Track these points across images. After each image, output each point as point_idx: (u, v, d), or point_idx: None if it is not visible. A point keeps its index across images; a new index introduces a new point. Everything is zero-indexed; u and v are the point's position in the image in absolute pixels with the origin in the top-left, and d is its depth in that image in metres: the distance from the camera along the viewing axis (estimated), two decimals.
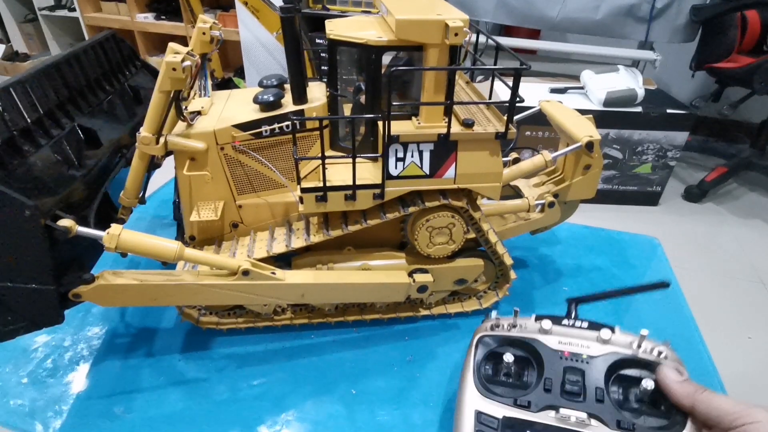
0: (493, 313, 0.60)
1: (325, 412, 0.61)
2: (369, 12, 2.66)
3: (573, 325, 0.55)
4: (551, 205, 0.76)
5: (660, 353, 0.51)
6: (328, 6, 2.74)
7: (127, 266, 0.78)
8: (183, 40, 3.40)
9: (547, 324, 0.55)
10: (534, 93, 2.04)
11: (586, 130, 0.72)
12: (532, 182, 0.82)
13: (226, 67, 3.31)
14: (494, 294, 0.77)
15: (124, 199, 0.65)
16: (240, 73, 3.17)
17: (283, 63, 2.83)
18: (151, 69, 0.86)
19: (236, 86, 3.13)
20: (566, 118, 0.76)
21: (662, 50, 2.27)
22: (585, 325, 0.55)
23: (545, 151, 0.74)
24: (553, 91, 2.05)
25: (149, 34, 3.25)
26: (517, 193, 0.79)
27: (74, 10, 3.27)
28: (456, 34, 0.53)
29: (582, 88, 2.04)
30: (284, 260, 0.68)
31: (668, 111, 1.96)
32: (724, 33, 2.03)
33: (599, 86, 1.95)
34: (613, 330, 0.54)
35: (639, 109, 1.96)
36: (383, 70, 0.59)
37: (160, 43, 3.36)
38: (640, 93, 1.93)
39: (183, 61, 0.54)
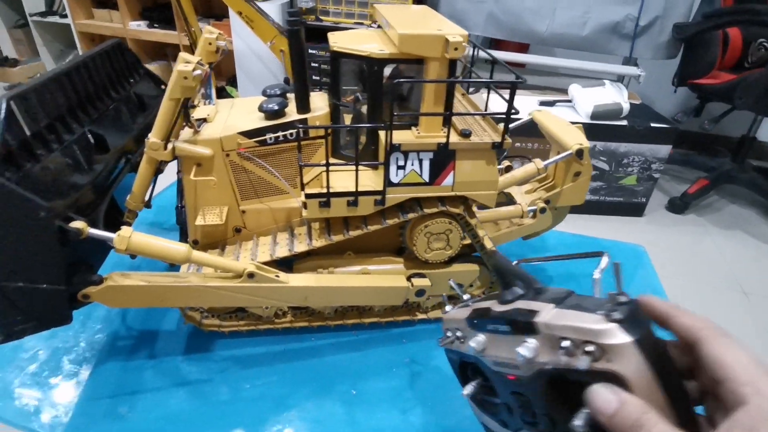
0: (448, 307, 0.54)
1: (326, 412, 0.63)
2: (361, 24, 2.70)
3: (498, 331, 0.41)
4: (543, 210, 0.79)
5: (588, 353, 0.32)
6: (321, 17, 2.78)
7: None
8: (175, 49, 3.40)
9: (477, 342, 0.43)
10: (523, 105, 2.09)
11: (576, 138, 0.75)
12: (524, 189, 0.85)
13: (218, 76, 3.33)
14: None
15: (131, 203, 0.67)
16: (233, 82, 3.19)
17: (275, 73, 2.86)
18: (154, 76, 0.87)
19: (229, 95, 3.15)
20: (557, 127, 0.79)
21: (646, 66, 2.35)
22: (506, 327, 0.41)
23: (537, 159, 0.77)
24: (542, 103, 2.11)
25: (141, 42, 3.25)
26: (509, 200, 0.82)
27: (66, 16, 3.26)
28: (456, 49, 0.56)
29: (570, 101, 2.09)
30: (285, 264, 0.69)
31: (652, 125, 2.02)
32: (706, 50, 2.10)
33: (586, 100, 2.00)
34: (533, 329, 0.37)
35: (624, 122, 2.01)
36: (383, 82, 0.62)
37: (152, 51, 3.37)
38: (626, 107, 1.99)
39: (194, 70, 0.57)
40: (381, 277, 0.69)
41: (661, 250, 2.01)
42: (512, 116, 0.61)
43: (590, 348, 0.32)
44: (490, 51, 0.69)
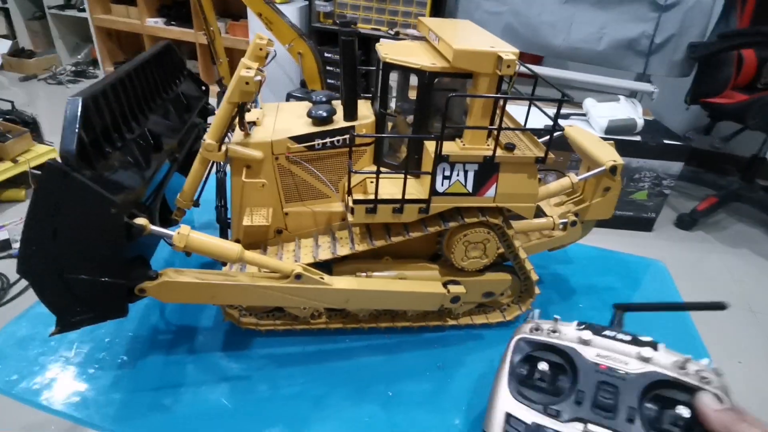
0: (536, 313, 0.63)
1: (363, 412, 0.65)
2: (378, 30, 2.73)
3: (615, 338, 0.55)
4: (573, 223, 0.81)
5: (704, 378, 0.50)
6: (339, 21, 2.80)
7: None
8: (192, 47, 3.42)
9: (587, 334, 0.55)
10: (538, 117, 2.12)
11: (609, 155, 0.77)
12: (552, 202, 0.87)
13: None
14: (517, 308, 0.81)
15: (181, 201, 0.69)
16: None
17: (291, 75, 2.89)
18: (195, 77, 0.89)
19: None
20: (590, 142, 0.82)
21: (658, 83, 2.38)
22: (628, 338, 0.55)
23: (572, 173, 0.79)
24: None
25: (158, 38, 3.28)
26: (539, 212, 0.84)
27: (84, 10, 3.29)
28: (508, 66, 0.58)
29: (584, 115, 2.12)
30: (322, 267, 0.71)
31: (665, 141, 2.05)
32: (720, 70, 2.13)
33: (601, 114, 2.03)
34: (656, 347, 0.53)
35: (638, 138, 2.04)
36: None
37: None
38: (640, 123, 2.02)
39: (255, 75, 0.59)
40: (420, 283, 0.71)
41: (668, 266, 2.03)
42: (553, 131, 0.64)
43: (706, 375, 0.50)
44: (531, 67, 0.72)
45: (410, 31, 2.65)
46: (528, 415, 0.52)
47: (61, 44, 3.61)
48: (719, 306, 0.59)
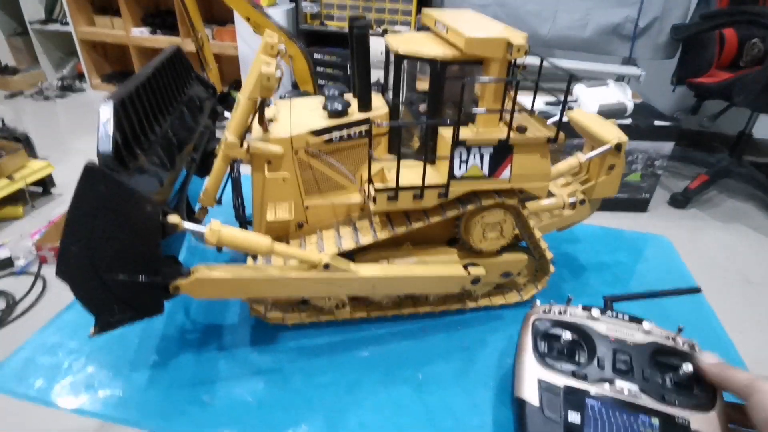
0: (537, 302, 0.69)
1: (396, 394, 0.66)
2: None
3: (616, 317, 0.65)
4: (582, 202, 0.84)
5: (692, 346, 0.61)
6: (326, 22, 2.82)
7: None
8: None
9: (595, 312, 0.65)
10: (540, 106, 2.15)
11: (614, 133, 0.79)
12: (559, 183, 0.90)
13: (222, 80, 3.34)
14: (534, 286, 0.83)
15: (204, 200, 0.70)
16: (236, 86, 3.21)
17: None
18: (202, 80, 0.91)
19: (235, 100, 3.15)
20: (593, 123, 0.84)
21: (645, 66, 2.42)
22: (626, 318, 0.64)
23: (579, 153, 0.81)
24: (549, 104, 2.16)
25: (144, 48, 3.27)
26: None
27: (67, 24, 3.26)
28: (518, 50, 0.60)
29: (575, 101, 2.16)
30: (345, 257, 0.72)
31: (655, 123, 2.09)
32: (704, 50, 2.18)
33: (591, 99, 2.07)
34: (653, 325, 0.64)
35: (629, 121, 2.08)
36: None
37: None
38: (630, 106, 2.05)
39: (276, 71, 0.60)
40: (442, 267, 0.73)
41: None
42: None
43: (693, 343, 0.61)
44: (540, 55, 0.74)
45: (398, 28, 2.67)
46: (559, 379, 0.58)
47: (46, 60, 3.58)
48: (694, 290, 0.71)
